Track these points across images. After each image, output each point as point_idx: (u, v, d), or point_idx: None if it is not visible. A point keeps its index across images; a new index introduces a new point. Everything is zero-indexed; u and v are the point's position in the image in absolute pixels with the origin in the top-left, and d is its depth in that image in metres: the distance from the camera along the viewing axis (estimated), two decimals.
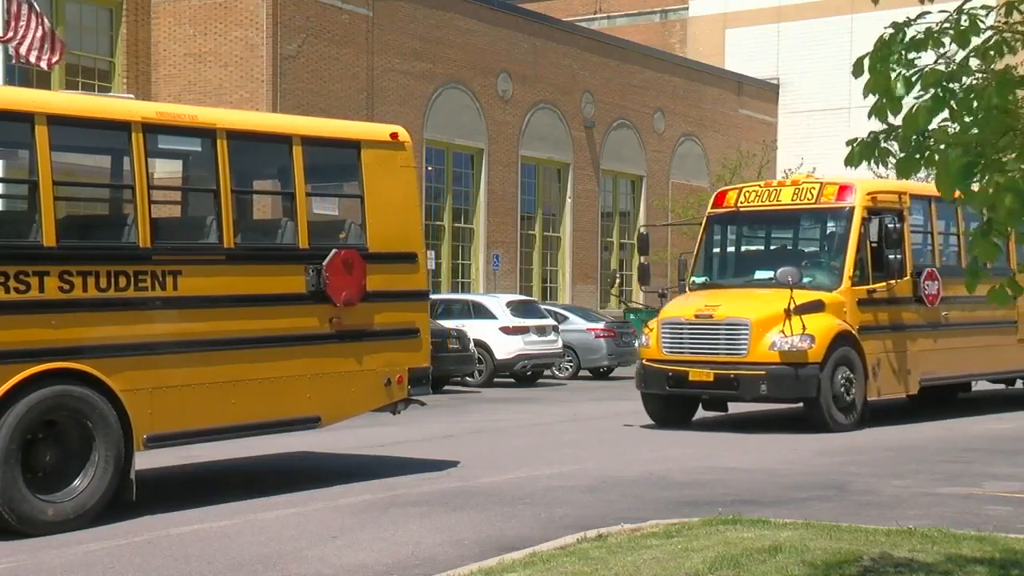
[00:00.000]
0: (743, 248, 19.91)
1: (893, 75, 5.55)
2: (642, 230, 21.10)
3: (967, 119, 5.54)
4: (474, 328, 27.40)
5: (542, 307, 30.56)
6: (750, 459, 14.27)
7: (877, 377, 17.90)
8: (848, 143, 5.92)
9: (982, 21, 5.54)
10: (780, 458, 14.35)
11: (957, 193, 5.78)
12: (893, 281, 18.03)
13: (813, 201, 18.47)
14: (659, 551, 8.19)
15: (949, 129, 5.65)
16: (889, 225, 17.74)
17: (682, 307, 18.09)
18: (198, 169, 12.88)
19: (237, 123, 12.06)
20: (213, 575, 8.35)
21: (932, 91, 5.52)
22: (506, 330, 27.72)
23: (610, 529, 9.19)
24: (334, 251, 12.06)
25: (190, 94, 31.20)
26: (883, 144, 5.82)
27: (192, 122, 11.57)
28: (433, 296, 31.80)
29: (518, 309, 28.74)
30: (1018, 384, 23.01)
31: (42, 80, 29.07)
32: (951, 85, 5.54)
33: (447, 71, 36.32)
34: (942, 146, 5.58)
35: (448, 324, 27.38)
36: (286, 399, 11.86)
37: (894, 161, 5.85)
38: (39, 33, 23.02)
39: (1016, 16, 5.65)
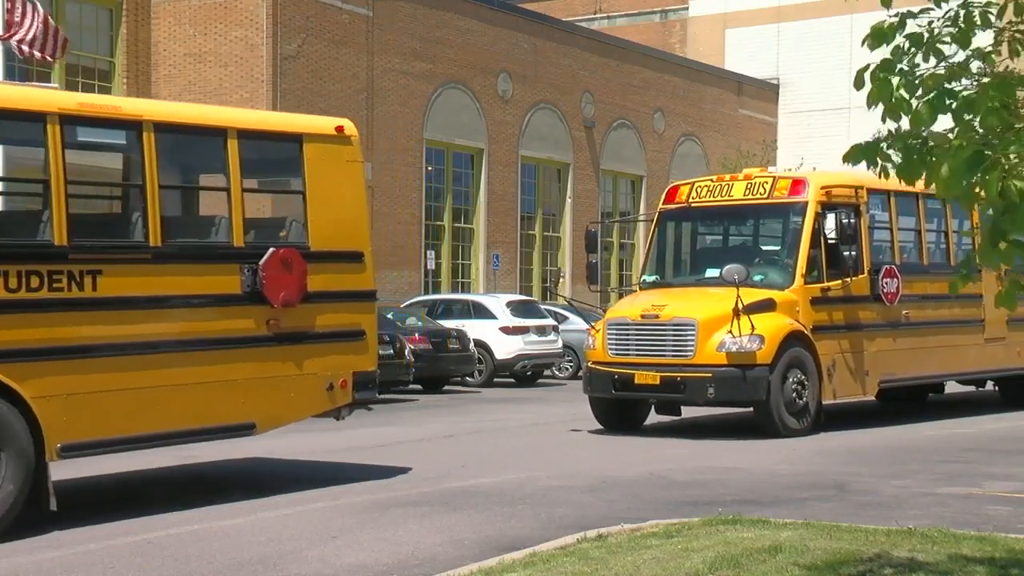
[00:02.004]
0: (695, 245, 19.12)
1: (895, 80, 5.55)
2: (590, 227, 19.81)
3: (967, 117, 5.53)
4: (474, 328, 27.40)
5: (542, 307, 30.56)
6: (750, 459, 14.26)
7: (832, 379, 17.17)
8: (847, 156, 5.91)
9: (992, 15, 5.53)
10: (780, 458, 14.35)
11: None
12: (849, 279, 17.31)
13: (765, 196, 17.70)
14: (659, 551, 8.19)
15: (950, 135, 5.64)
16: (844, 220, 17.00)
17: (628, 307, 17.45)
18: (123, 163, 12.39)
19: (165, 115, 11.59)
20: (213, 575, 8.35)
21: (933, 93, 5.52)
22: (506, 330, 27.72)
23: (610, 529, 9.19)
24: (271, 250, 11.55)
25: (190, 94, 31.19)
26: (884, 150, 5.82)
27: (115, 113, 11.06)
28: (433, 296, 31.87)
29: (518, 309, 28.75)
30: (989, 386, 22.27)
31: (42, 80, 29.08)
32: (951, 86, 5.54)
33: (447, 71, 36.32)
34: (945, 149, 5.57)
35: (448, 324, 27.41)
36: (217, 405, 11.34)
37: (894, 166, 5.85)
38: (40, 28, 23.09)
39: None
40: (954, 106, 5.53)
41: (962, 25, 5.52)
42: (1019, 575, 7.26)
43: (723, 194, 18.08)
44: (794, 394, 16.49)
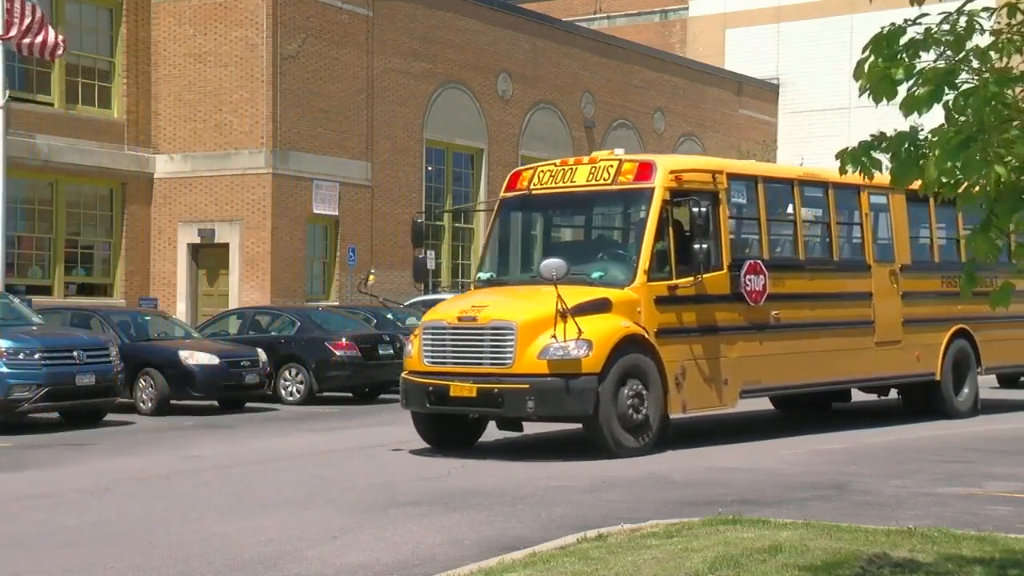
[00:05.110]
0: (534, 238, 17.05)
1: (891, 69, 5.60)
2: (416, 219, 17.70)
3: (963, 118, 5.57)
4: None
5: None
6: (750, 459, 14.27)
7: (681, 388, 15.13)
8: (837, 156, 5.94)
9: (979, 25, 5.58)
10: (780, 458, 14.35)
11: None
12: (702, 275, 15.20)
13: (609, 182, 15.67)
14: (659, 551, 8.19)
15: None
16: (697, 209, 14.92)
17: (447, 309, 15.38)
18: None
19: None
20: (213, 575, 8.35)
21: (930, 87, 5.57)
22: None
23: (610, 529, 9.19)
24: None
25: (190, 94, 31.20)
26: (873, 154, 5.86)
27: None
28: (433, 296, 31.86)
29: None
30: (893, 394, 20.45)
31: (42, 80, 29.09)
32: (951, 79, 5.58)
33: (447, 71, 36.33)
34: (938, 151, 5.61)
35: None
36: None
37: (887, 169, 5.90)
38: (38, 27, 23.20)
39: (1019, 17, 5.68)
40: (951, 97, 5.56)
41: (960, 31, 5.55)
42: (1018, 575, 7.26)
43: (565, 180, 16.15)
44: (630, 407, 14.47)
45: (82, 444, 16.79)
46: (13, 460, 15.02)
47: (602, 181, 15.81)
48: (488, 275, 16.57)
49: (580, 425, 14.91)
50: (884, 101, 5.69)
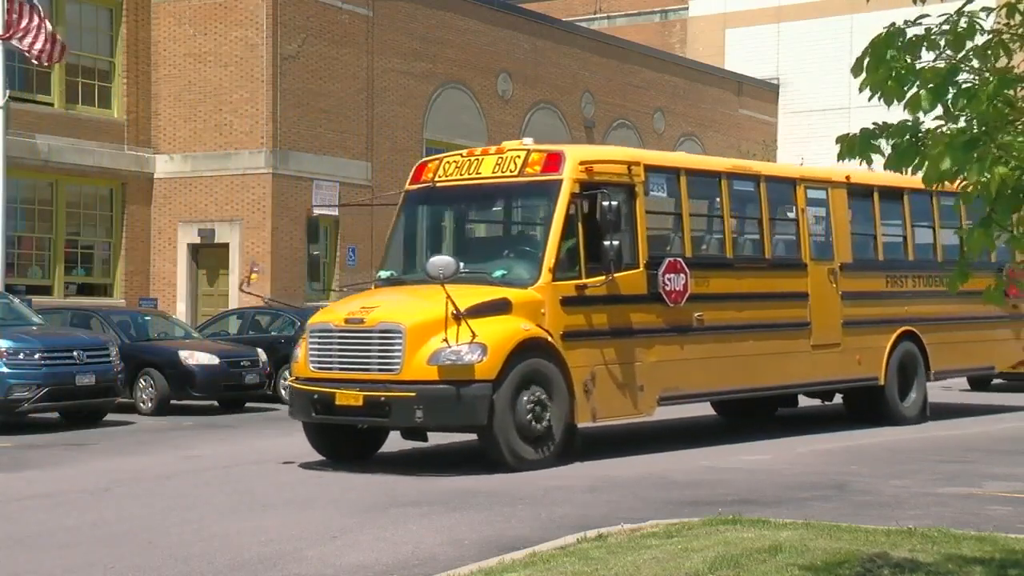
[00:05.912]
0: (438, 233, 16.11)
1: (893, 72, 5.63)
2: (314, 213, 16.75)
3: (964, 115, 5.60)
4: None
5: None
6: (750, 459, 14.27)
7: (591, 396, 14.17)
8: (838, 140, 6.01)
9: (980, 26, 5.60)
10: (780, 458, 14.35)
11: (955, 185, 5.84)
12: (614, 274, 14.23)
13: (515, 173, 14.76)
14: (659, 551, 8.19)
15: (944, 129, 5.72)
16: (608, 203, 13.94)
17: (336, 310, 14.48)
18: None
19: None
20: (213, 575, 8.35)
21: (932, 85, 5.61)
22: None
23: (610, 529, 9.19)
24: None
25: (190, 94, 31.19)
26: (873, 142, 5.92)
27: None
28: None
29: None
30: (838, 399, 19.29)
31: (42, 80, 29.09)
32: (953, 79, 5.62)
33: (447, 71, 36.33)
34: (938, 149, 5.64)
35: None
36: None
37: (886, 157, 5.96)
38: (41, 31, 23.22)
39: (1017, 18, 5.71)
40: (952, 96, 5.60)
41: (960, 30, 5.58)
42: (1018, 575, 7.26)
43: (471, 171, 15.19)
44: (530, 416, 13.50)
45: (82, 444, 16.79)
46: (13, 460, 15.03)
47: (508, 173, 14.92)
48: (389, 273, 15.62)
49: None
50: (895, 102, 5.73)
